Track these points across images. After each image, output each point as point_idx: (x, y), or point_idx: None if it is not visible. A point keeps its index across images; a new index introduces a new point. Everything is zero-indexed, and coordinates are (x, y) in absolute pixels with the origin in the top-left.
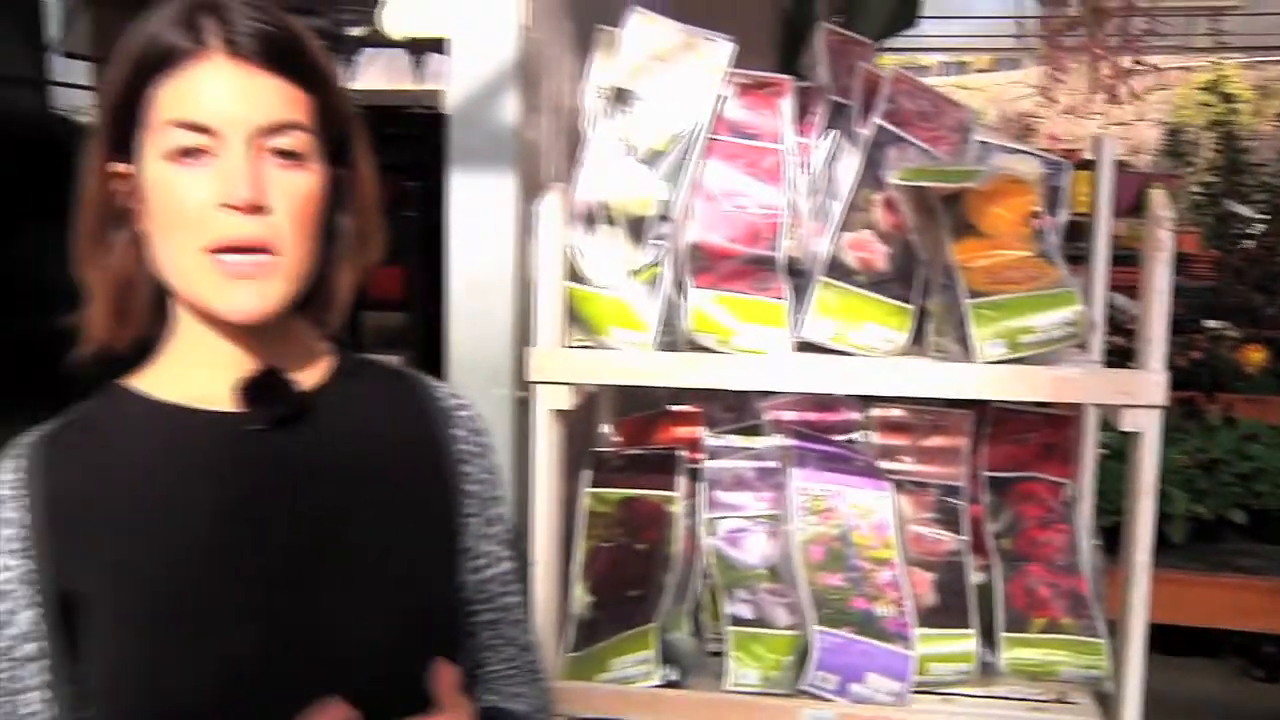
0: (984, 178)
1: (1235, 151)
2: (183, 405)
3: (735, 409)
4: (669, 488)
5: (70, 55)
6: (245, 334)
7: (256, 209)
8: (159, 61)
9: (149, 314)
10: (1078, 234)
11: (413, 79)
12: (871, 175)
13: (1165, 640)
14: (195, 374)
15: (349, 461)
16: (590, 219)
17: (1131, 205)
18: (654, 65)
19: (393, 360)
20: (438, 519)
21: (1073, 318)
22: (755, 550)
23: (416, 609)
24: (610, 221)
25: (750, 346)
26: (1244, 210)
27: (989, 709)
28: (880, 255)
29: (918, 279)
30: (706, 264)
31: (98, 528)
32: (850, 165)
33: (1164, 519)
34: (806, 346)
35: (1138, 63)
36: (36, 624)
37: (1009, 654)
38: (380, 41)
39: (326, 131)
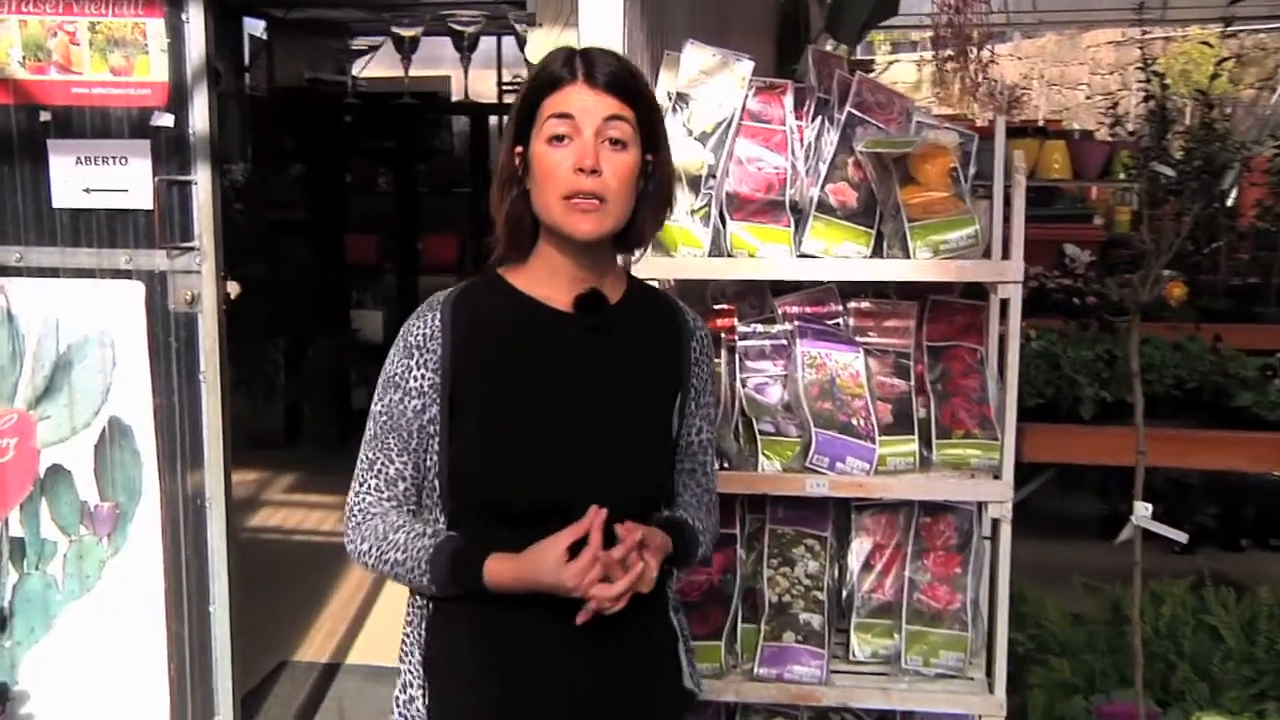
0: (918, 145)
1: (1163, 120)
2: (536, 299)
3: (758, 306)
4: (715, 356)
5: None
6: (581, 256)
7: (595, 172)
8: (549, 84)
9: (529, 238)
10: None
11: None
12: (845, 145)
13: (1108, 528)
14: (545, 282)
15: (629, 355)
16: None
17: (1099, 170)
18: (702, 77)
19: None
20: (672, 395)
21: (973, 233)
22: (774, 395)
23: (652, 443)
24: (677, 179)
25: (767, 257)
26: (1167, 171)
27: (925, 480)
28: (852, 198)
29: (876, 212)
30: (739, 205)
31: (475, 360)
32: (831, 139)
33: (1077, 401)
34: (805, 257)
35: (987, 79)
36: (439, 412)
37: (939, 453)
38: (436, 31)
39: (643, 130)
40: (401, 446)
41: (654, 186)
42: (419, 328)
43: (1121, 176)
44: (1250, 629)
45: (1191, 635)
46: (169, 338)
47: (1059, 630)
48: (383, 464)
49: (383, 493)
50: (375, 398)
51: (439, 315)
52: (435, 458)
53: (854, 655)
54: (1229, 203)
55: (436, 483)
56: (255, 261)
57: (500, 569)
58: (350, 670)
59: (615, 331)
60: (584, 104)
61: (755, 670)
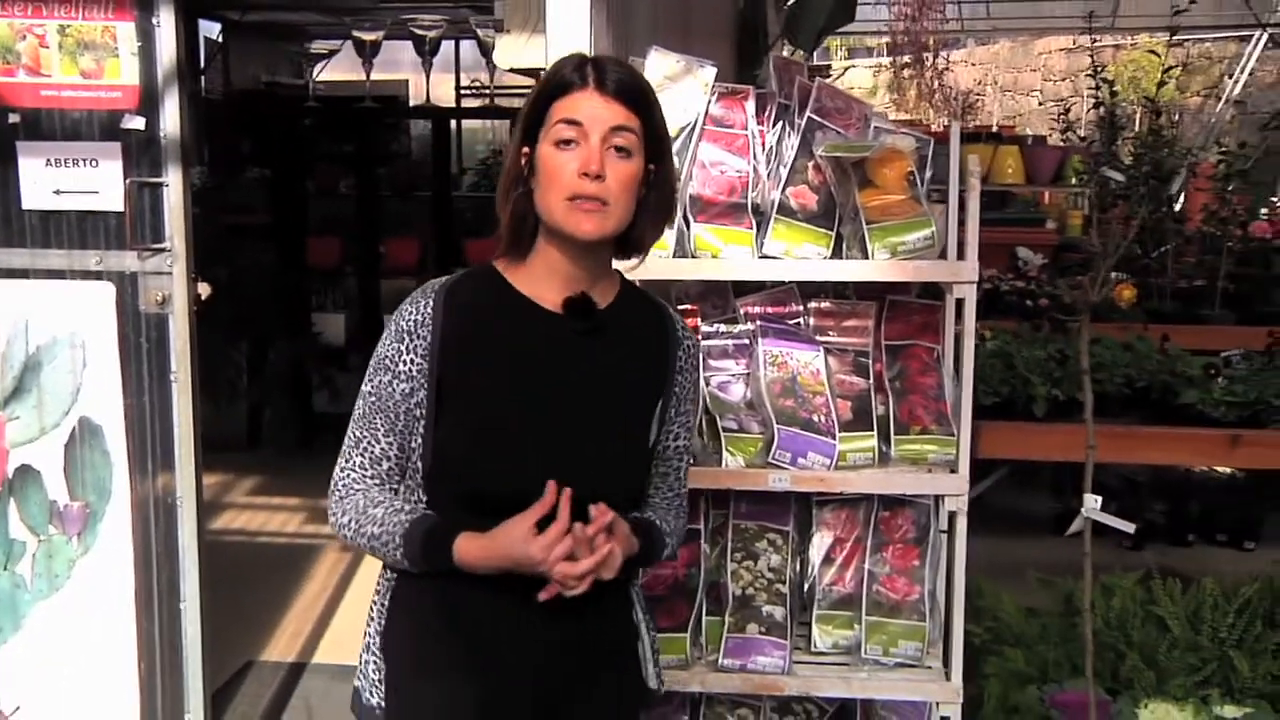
0: (876, 150)
1: (1112, 126)
2: (529, 298)
3: (721, 306)
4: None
5: None
6: (581, 259)
7: (598, 177)
8: (559, 89)
9: (530, 237)
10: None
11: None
12: (806, 149)
13: (1061, 525)
14: (540, 281)
15: (614, 358)
16: None
17: (1051, 175)
18: (666, 82)
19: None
20: (655, 400)
21: (929, 235)
22: (736, 393)
23: (630, 446)
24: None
25: (730, 258)
26: (1117, 176)
27: (884, 475)
28: (812, 200)
29: (836, 215)
30: (702, 208)
31: (464, 351)
32: (792, 143)
33: (1030, 399)
34: (766, 258)
35: (942, 85)
36: (425, 397)
37: (897, 449)
38: (398, 35)
39: (648, 140)
40: (388, 427)
41: (655, 195)
42: (411, 313)
43: (1073, 181)
44: (1195, 619)
45: (1140, 626)
46: (140, 338)
47: (1014, 622)
48: (369, 442)
49: (366, 470)
50: (366, 378)
51: (432, 303)
52: (419, 440)
53: (815, 646)
54: (1176, 207)
55: (419, 464)
56: (215, 265)
57: (469, 546)
58: (316, 669)
59: (603, 334)
60: (593, 111)
61: (720, 661)
